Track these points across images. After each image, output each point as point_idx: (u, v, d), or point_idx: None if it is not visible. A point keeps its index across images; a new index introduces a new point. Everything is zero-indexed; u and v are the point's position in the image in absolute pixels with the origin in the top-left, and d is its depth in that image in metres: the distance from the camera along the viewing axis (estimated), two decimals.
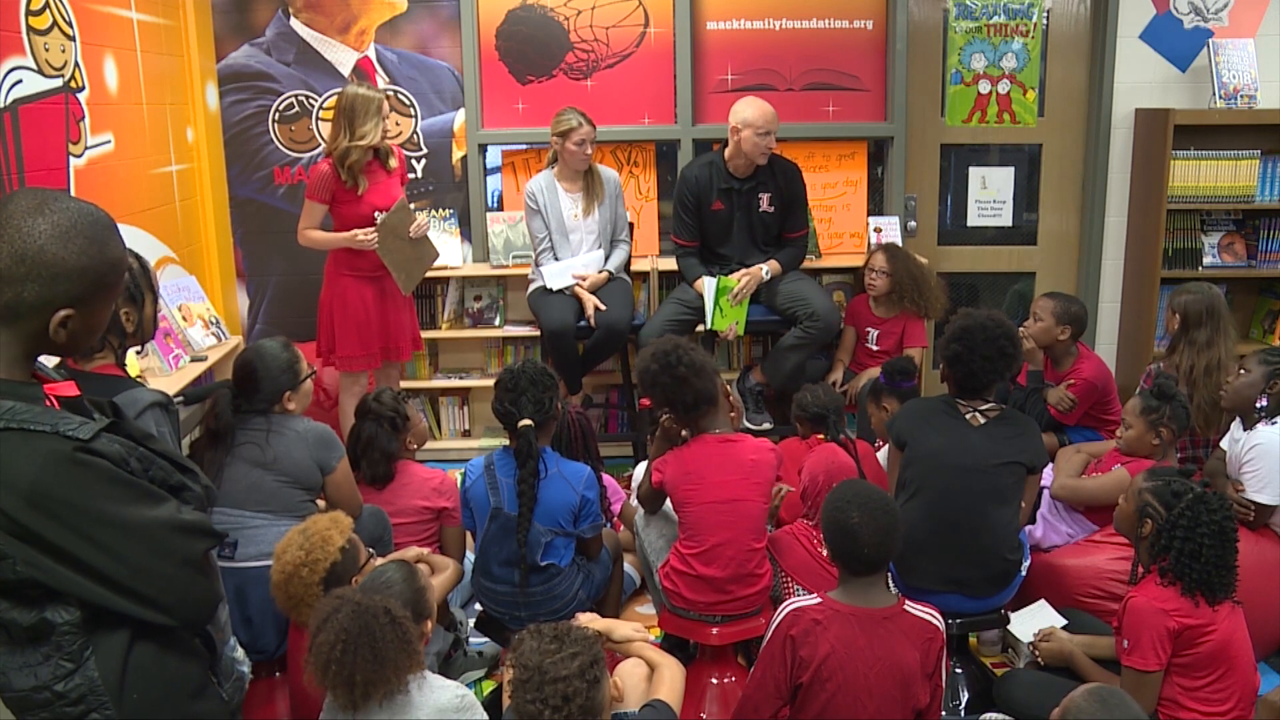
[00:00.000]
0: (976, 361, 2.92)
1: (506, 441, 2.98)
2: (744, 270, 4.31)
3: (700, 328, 4.41)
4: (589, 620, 2.37)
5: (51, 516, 1.39)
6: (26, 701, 1.47)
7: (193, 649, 1.63)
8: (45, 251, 1.39)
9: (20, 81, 3.22)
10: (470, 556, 3.20)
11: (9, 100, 3.15)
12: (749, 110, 4.23)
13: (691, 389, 2.90)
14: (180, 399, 2.93)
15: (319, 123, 4.87)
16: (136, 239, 3.93)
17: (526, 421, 2.86)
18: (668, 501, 3.02)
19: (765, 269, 4.32)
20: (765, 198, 4.37)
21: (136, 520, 1.46)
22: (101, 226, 1.47)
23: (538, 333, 4.51)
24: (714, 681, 2.94)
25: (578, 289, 4.33)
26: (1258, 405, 3.18)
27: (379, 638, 2.03)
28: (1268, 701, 2.42)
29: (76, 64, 3.59)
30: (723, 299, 4.27)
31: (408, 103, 4.88)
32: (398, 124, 4.79)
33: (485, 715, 2.23)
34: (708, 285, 4.30)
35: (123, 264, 1.51)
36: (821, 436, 3.45)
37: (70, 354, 1.56)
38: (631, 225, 4.70)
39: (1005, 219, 5.24)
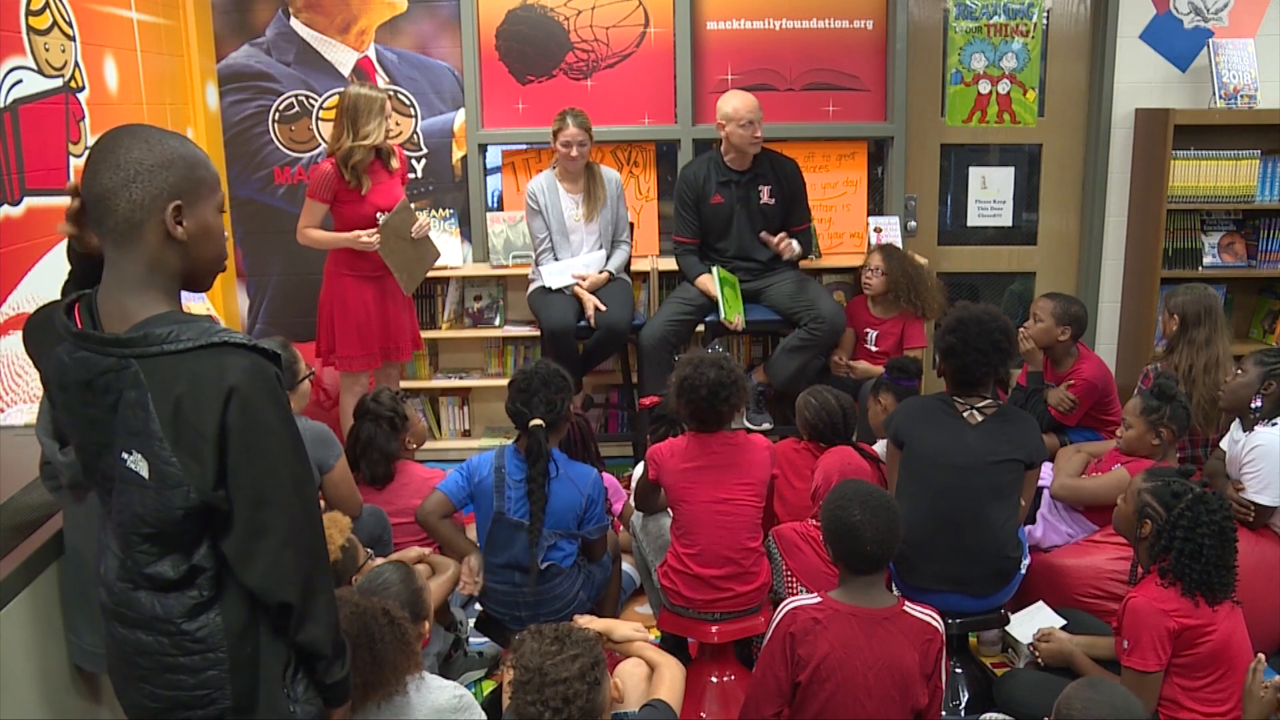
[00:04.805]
0: (971, 354, 2.91)
1: (506, 440, 2.98)
2: (781, 237, 4.34)
3: (700, 328, 4.41)
4: (588, 621, 2.37)
5: (241, 418, 1.48)
6: (144, 622, 1.56)
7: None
8: (133, 151, 1.51)
9: (20, 81, 3.22)
10: None
11: (9, 100, 3.15)
12: (728, 105, 4.28)
13: (732, 412, 2.91)
14: None
15: (319, 123, 4.87)
16: None
17: (537, 421, 2.87)
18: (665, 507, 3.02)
19: (794, 243, 4.39)
20: (765, 190, 4.39)
21: (298, 447, 1.57)
22: (179, 135, 1.59)
23: (538, 333, 4.51)
24: (714, 681, 2.95)
25: (578, 289, 4.33)
26: (1252, 406, 3.19)
27: (377, 639, 2.03)
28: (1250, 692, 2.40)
29: (76, 64, 3.59)
30: (727, 289, 4.28)
31: (408, 103, 4.88)
32: (398, 124, 4.79)
33: (483, 715, 2.24)
34: (714, 279, 4.31)
35: (209, 162, 1.60)
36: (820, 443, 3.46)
37: (202, 268, 1.61)
38: (631, 225, 4.70)
39: (1005, 219, 5.23)
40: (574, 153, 4.29)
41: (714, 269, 4.33)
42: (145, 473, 1.49)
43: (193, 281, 1.60)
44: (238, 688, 1.56)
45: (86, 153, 1.58)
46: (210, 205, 1.59)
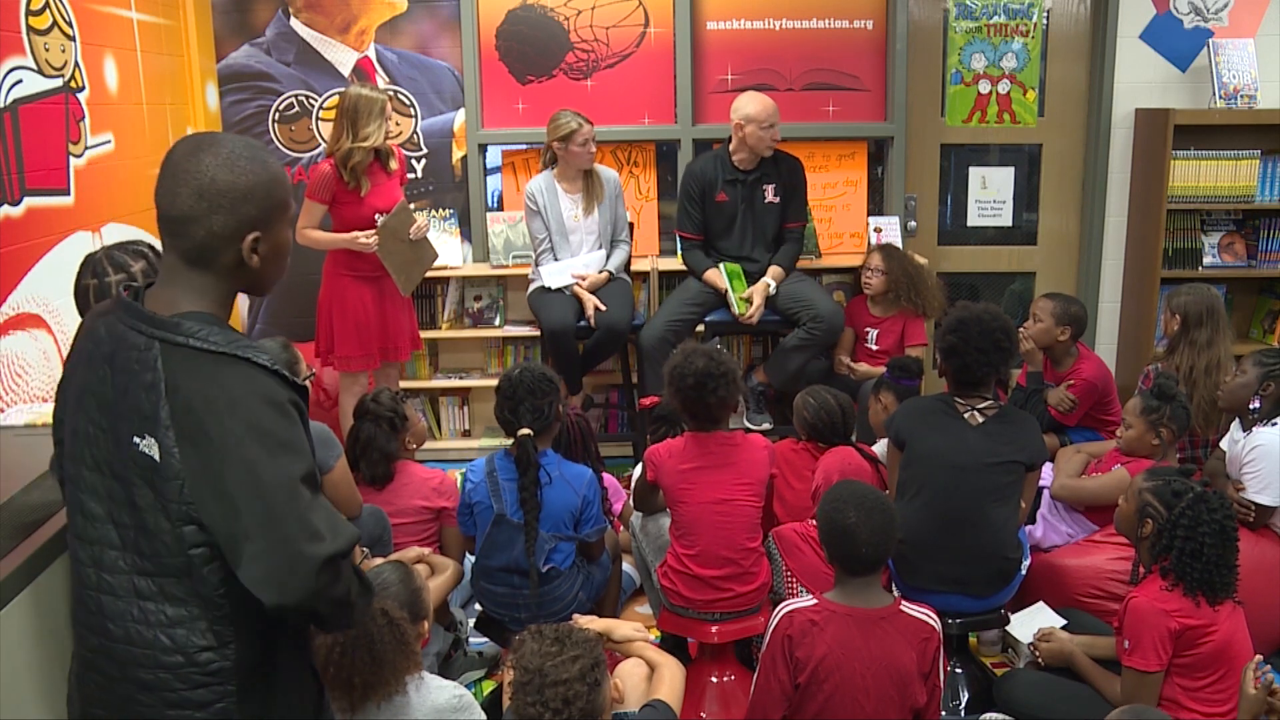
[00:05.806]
0: (971, 354, 2.91)
1: (507, 441, 2.98)
2: (752, 291, 4.30)
3: (700, 327, 4.42)
4: (588, 621, 2.37)
5: (238, 426, 1.43)
6: (145, 659, 1.51)
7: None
8: (218, 181, 1.49)
9: (20, 81, 3.22)
10: (470, 558, 3.20)
11: (9, 100, 3.15)
12: (751, 106, 4.26)
13: (723, 406, 2.90)
14: None
15: (319, 123, 4.87)
16: (138, 239, 3.93)
17: (525, 431, 2.87)
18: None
19: (770, 283, 4.31)
20: (770, 189, 4.40)
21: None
22: (257, 148, 1.57)
23: (538, 333, 4.51)
24: (714, 681, 2.95)
25: (577, 289, 4.33)
26: (1251, 407, 3.19)
27: (376, 640, 2.03)
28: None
29: (76, 64, 3.59)
30: (735, 281, 4.28)
31: (408, 103, 4.88)
32: (398, 124, 4.79)
33: (483, 715, 2.24)
34: (722, 273, 4.32)
35: (285, 177, 1.60)
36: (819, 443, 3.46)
37: (266, 283, 1.63)
38: (631, 225, 4.70)
39: (1005, 219, 5.23)
40: (593, 149, 4.31)
41: (720, 264, 4.34)
42: (157, 456, 1.47)
43: (255, 290, 1.64)
44: (246, 717, 1.54)
45: (164, 161, 1.55)
46: (284, 225, 1.59)
